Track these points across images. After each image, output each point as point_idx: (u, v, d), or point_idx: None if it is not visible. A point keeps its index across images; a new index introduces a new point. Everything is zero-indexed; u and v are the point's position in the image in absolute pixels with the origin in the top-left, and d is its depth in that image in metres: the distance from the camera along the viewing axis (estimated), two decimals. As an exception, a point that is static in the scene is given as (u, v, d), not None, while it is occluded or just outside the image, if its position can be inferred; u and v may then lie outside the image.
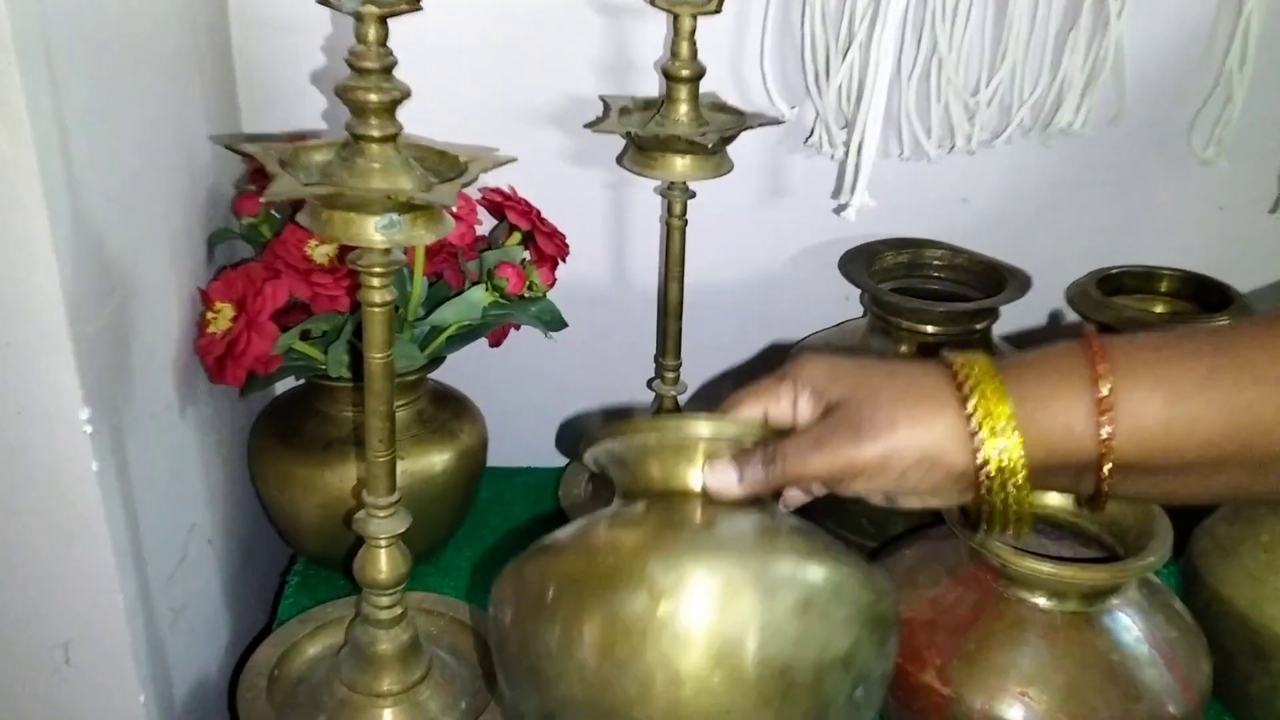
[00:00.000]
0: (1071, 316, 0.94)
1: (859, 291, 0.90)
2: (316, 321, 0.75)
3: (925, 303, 0.84)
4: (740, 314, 0.99)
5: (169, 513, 0.71)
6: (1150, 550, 0.62)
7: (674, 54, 0.77)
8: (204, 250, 0.77)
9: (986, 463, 0.47)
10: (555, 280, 0.83)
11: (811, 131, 0.90)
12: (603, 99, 0.83)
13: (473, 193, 0.82)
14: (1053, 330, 1.01)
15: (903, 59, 0.87)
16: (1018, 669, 0.62)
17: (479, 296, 0.78)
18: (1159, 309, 0.93)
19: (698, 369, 0.99)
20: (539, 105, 0.88)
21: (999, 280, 0.87)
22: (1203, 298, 0.92)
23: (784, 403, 0.53)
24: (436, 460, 0.82)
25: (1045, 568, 0.61)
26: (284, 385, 0.87)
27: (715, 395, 0.93)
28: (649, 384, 0.92)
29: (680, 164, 0.79)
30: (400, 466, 0.67)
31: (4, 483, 0.59)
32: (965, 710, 0.62)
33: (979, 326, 0.85)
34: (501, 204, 0.83)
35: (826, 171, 0.92)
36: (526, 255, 0.82)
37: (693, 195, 0.83)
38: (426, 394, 0.84)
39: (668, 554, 0.50)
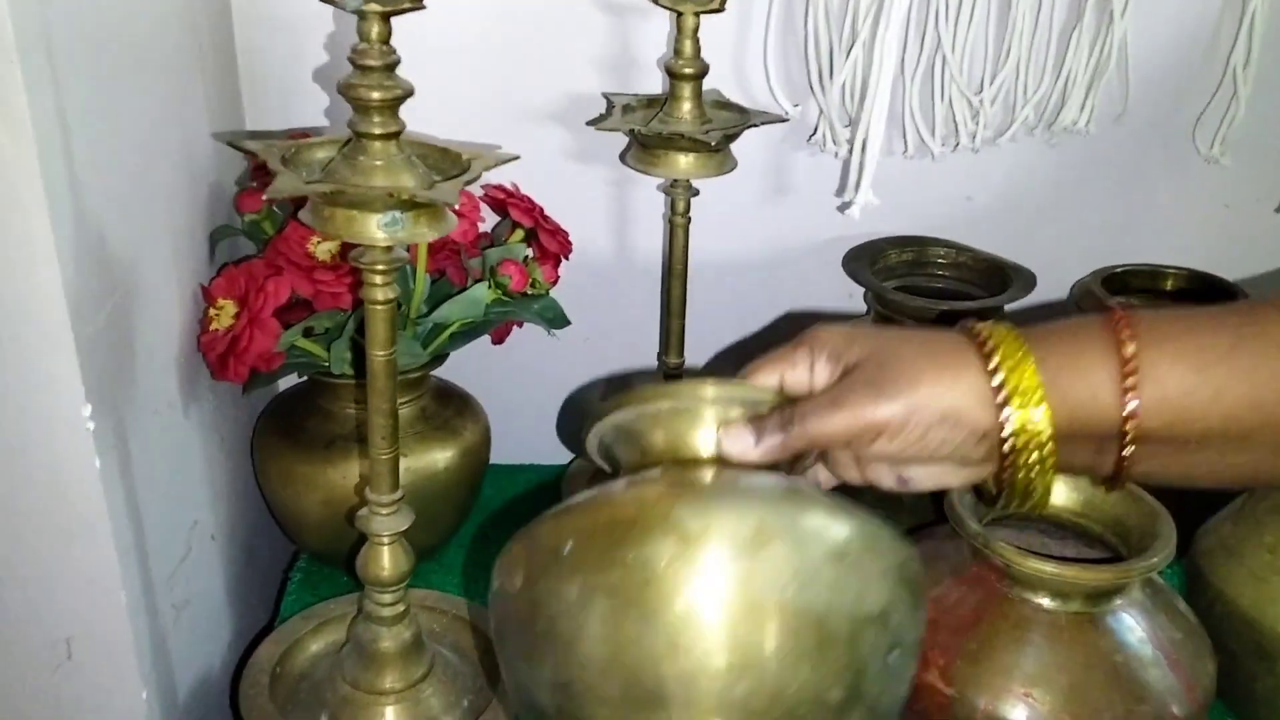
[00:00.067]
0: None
1: (863, 289, 0.89)
2: (319, 318, 0.75)
3: (929, 301, 0.84)
4: (743, 311, 0.98)
5: (171, 509, 0.71)
6: (1154, 551, 0.62)
7: (677, 51, 0.77)
8: (206, 247, 0.77)
9: (1014, 433, 0.46)
10: (558, 278, 0.83)
11: (815, 129, 0.90)
12: (606, 96, 0.83)
13: (475, 190, 0.81)
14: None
15: (906, 57, 0.87)
16: (1021, 669, 0.62)
17: (482, 294, 0.78)
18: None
19: (701, 367, 0.99)
20: (542, 103, 0.88)
21: (1003, 278, 0.87)
22: (1208, 296, 0.92)
23: (800, 369, 0.51)
24: (439, 457, 0.81)
25: (1049, 568, 0.61)
26: (286, 382, 0.87)
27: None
28: (652, 382, 0.92)
29: (683, 162, 0.79)
30: (403, 464, 0.67)
31: (6, 480, 0.59)
32: (968, 711, 0.62)
33: (983, 325, 0.85)
34: (504, 201, 0.83)
35: (830, 169, 0.92)
36: (529, 253, 0.82)
37: (696, 193, 0.83)
38: (429, 391, 0.84)
39: (695, 500, 0.47)
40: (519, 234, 0.83)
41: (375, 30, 0.54)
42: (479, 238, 0.82)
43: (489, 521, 0.93)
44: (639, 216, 0.93)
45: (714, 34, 0.79)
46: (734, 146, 0.80)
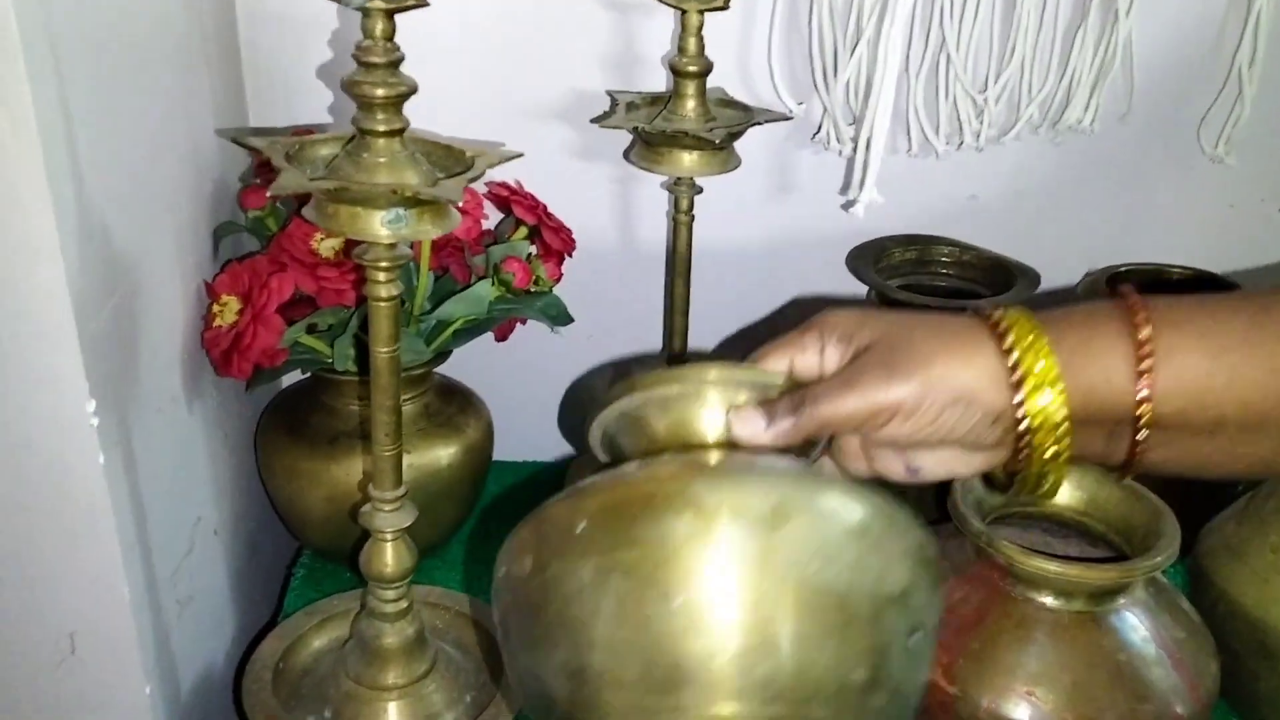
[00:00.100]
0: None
1: (866, 288, 0.89)
2: (322, 315, 0.75)
3: (933, 299, 0.84)
4: (747, 309, 0.98)
5: (175, 505, 0.71)
6: (1157, 550, 0.62)
7: (681, 49, 0.77)
8: (210, 243, 0.78)
9: (1029, 418, 0.46)
10: (561, 275, 0.83)
11: (819, 127, 0.90)
12: (610, 94, 0.83)
13: (479, 187, 0.81)
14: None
15: (911, 55, 0.87)
16: (1024, 668, 0.62)
17: (485, 291, 0.78)
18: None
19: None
20: (546, 100, 0.88)
21: (1007, 277, 0.87)
22: (1211, 296, 0.91)
23: (810, 353, 0.50)
24: (442, 454, 0.82)
25: (1052, 567, 0.61)
26: (290, 379, 0.87)
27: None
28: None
29: (687, 159, 0.79)
30: (406, 460, 0.67)
31: (11, 476, 0.59)
32: (971, 709, 0.62)
33: (986, 324, 0.85)
34: (508, 198, 0.83)
35: (834, 167, 0.92)
36: (533, 250, 0.82)
37: (700, 191, 0.83)
38: (432, 388, 0.84)
39: (713, 477, 0.46)
40: (522, 231, 0.83)
41: (379, 27, 0.54)
42: (482, 235, 0.82)
43: (492, 518, 0.93)
44: (643, 214, 0.93)
45: (718, 31, 0.79)
46: (738, 144, 0.80)
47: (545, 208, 0.83)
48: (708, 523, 0.43)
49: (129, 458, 0.63)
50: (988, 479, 0.54)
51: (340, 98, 0.84)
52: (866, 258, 0.88)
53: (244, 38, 0.84)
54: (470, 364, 0.86)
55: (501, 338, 0.85)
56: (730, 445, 0.50)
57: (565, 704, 0.46)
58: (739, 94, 0.85)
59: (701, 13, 0.75)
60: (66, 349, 0.56)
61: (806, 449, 0.51)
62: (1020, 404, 0.46)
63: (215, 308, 0.73)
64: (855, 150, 0.88)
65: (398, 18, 0.54)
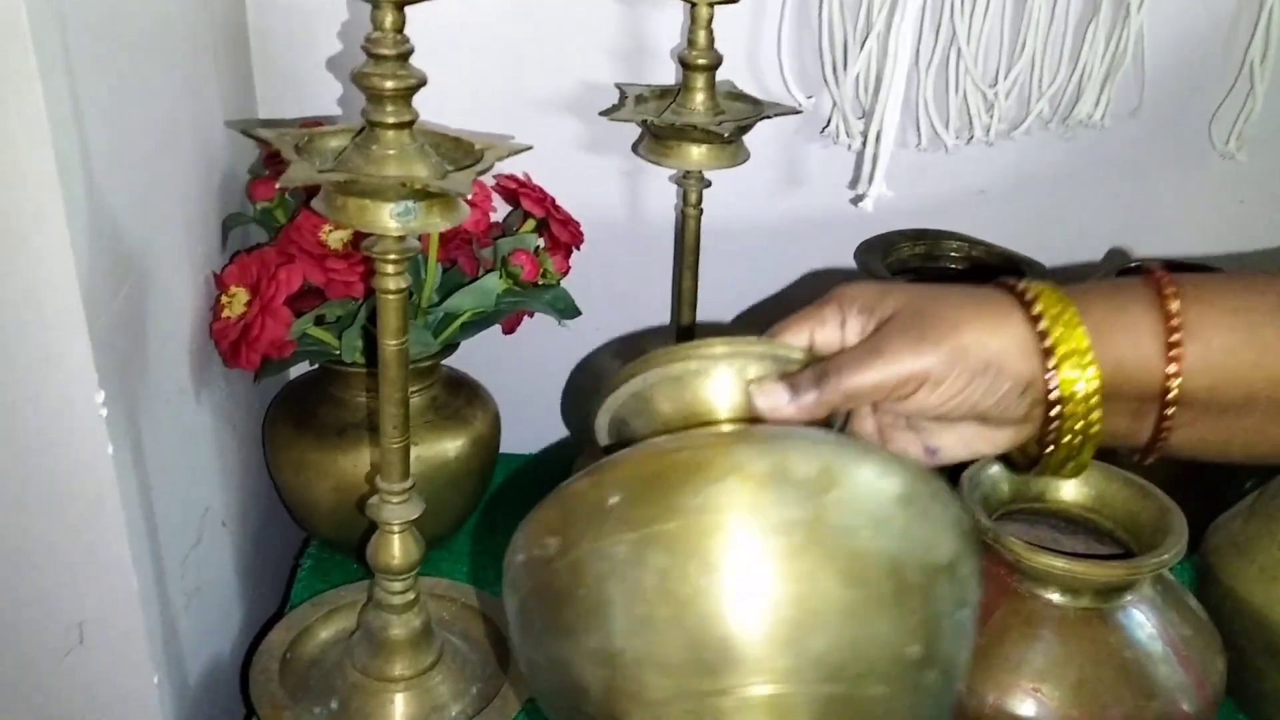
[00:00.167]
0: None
1: (874, 282, 0.89)
2: (330, 307, 0.75)
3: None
4: (754, 303, 0.98)
5: (184, 496, 0.71)
6: (1165, 547, 0.61)
7: (691, 42, 0.77)
8: (218, 234, 0.78)
9: (1060, 388, 0.45)
10: (569, 268, 0.83)
11: (828, 121, 0.90)
12: (619, 87, 0.82)
13: (487, 179, 0.81)
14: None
15: (921, 49, 0.87)
16: (1030, 665, 0.62)
17: (493, 284, 0.78)
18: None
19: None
20: (555, 93, 0.88)
21: (1016, 272, 0.87)
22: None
23: (830, 326, 0.48)
24: (450, 446, 0.82)
25: (1059, 563, 0.61)
26: (298, 370, 0.87)
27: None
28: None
29: (696, 153, 0.78)
30: (414, 453, 0.67)
31: (20, 466, 0.59)
32: (977, 705, 0.62)
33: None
34: (516, 191, 0.83)
35: (843, 162, 0.92)
36: (541, 242, 0.82)
37: (708, 184, 0.82)
38: (440, 380, 0.84)
39: (755, 442, 0.43)
40: (530, 224, 0.83)
41: (389, 19, 0.54)
42: (491, 227, 0.82)
43: (498, 510, 0.93)
44: (651, 207, 0.93)
45: (728, 25, 0.79)
46: (746, 138, 0.80)
47: (553, 200, 0.83)
48: (753, 489, 0.41)
49: (138, 448, 0.63)
50: (1007, 460, 0.52)
51: (349, 90, 0.84)
52: (875, 252, 0.88)
53: (253, 29, 0.84)
54: (477, 356, 0.86)
55: (509, 330, 0.85)
56: (751, 421, 0.47)
57: (600, 694, 0.42)
58: (748, 87, 0.84)
59: (711, 5, 0.75)
60: (76, 339, 0.56)
61: (825, 428, 0.49)
62: (1051, 375, 0.45)
63: (224, 299, 0.73)
64: (865, 144, 0.87)
65: (407, 10, 0.54)
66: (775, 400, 0.47)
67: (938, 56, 0.87)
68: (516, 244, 0.80)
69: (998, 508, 0.67)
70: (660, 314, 0.96)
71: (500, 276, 0.78)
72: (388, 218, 0.56)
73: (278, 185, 0.75)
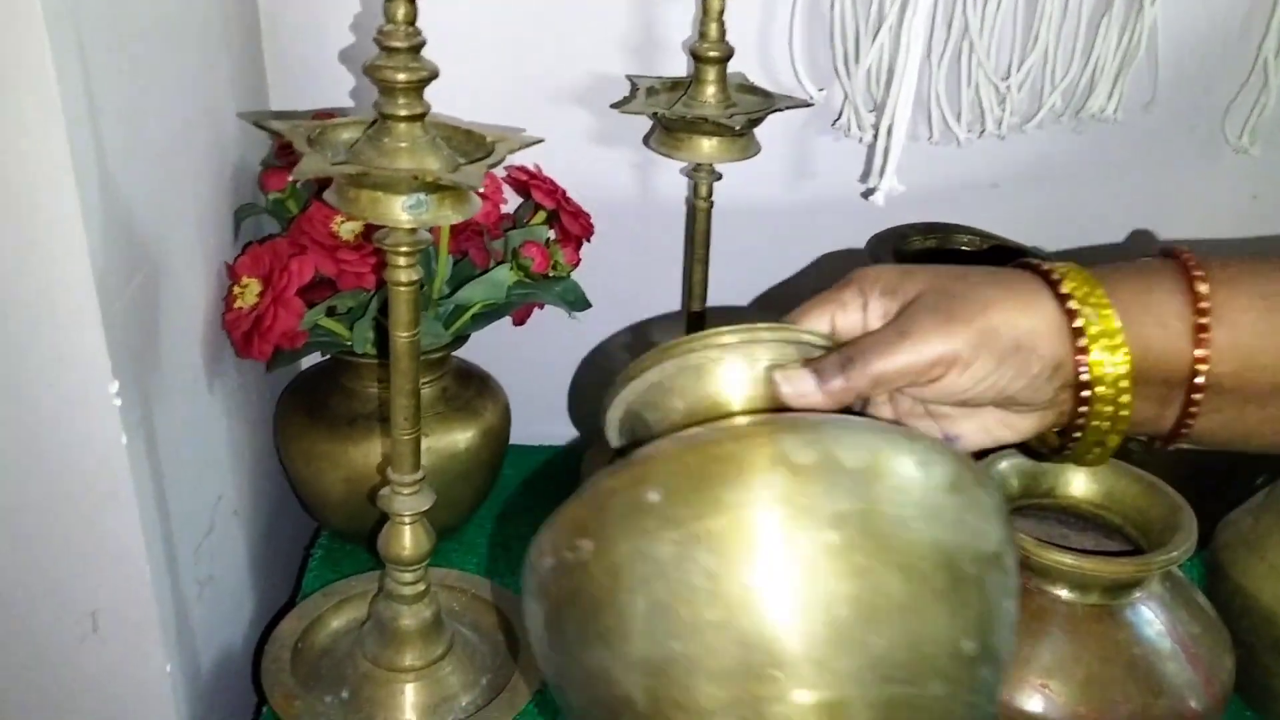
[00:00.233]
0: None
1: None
2: (342, 298, 0.76)
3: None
4: (765, 295, 0.98)
5: (196, 485, 0.72)
6: (1174, 544, 0.61)
7: (702, 34, 0.76)
8: (231, 225, 0.78)
9: (1090, 369, 0.43)
10: (579, 260, 0.83)
11: (840, 114, 0.90)
12: (630, 79, 0.82)
13: (499, 171, 0.81)
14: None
15: (933, 41, 0.86)
16: (1038, 661, 0.62)
17: (504, 276, 0.78)
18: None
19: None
20: (566, 84, 0.88)
21: (1027, 267, 0.86)
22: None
23: (852, 310, 0.47)
24: (460, 438, 0.82)
25: (1068, 560, 0.61)
26: (309, 360, 0.88)
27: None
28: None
29: (707, 146, 0.78)
30: (424, 444, 0.67)
31: (35, 456, 0.60)
32: (983, 699, 0.62)
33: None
34: (527, 183, 0.83)
35: (854, 154, 0.92)
36: (551, 234, 0.82)
37: (719, 177, 0.82)
38: (450, 371, 0.84)
39: (799, 431, 0.40)
40: (541, 216, 0.83)
41: (401, 11, 0.54)
42: (502, 219, 0.83)
43: (508, 501, 0.93)
44: (661, 199, 0.93)
45: (739, 16, 0.79)
46: (757, 130, 0.80)
47: (564, 192, 0.83)
48: (802, 481, 0.39)
49: (151, 438, 0.64)
50: (1026, 448, 0.50)
51: (361, 81, 0.84)
52: (886, 246, 0.88)
53: (265, 20, 0.84)
54: (487, 347, 0.86)
55: (519, 322, 0.85)
56: (775, 410, 0.45)
57: (646, 705, 0.39)
58: (759, 80, 0.84)
59: (723, -2, 0.75)
60: (90, 330, 0.57)
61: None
62: (1081, 357, 0.44)
63: (236, 289, 0.73)
64: (876, 138, 0.87)
65: (419, 2, 0.54)
66: (801, 387, 0.45)
67: (950, 49, 0.87)
68: (527, 236, 0.80)
69: (1007, 503, 0.67)
70: (670, 306, 0.96)
71: (511, 268, 0.78)
72: (399, 210, 0.56)
73: (291, 178, 0.75)
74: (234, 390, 0.78)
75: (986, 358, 0.44)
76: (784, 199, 0.94)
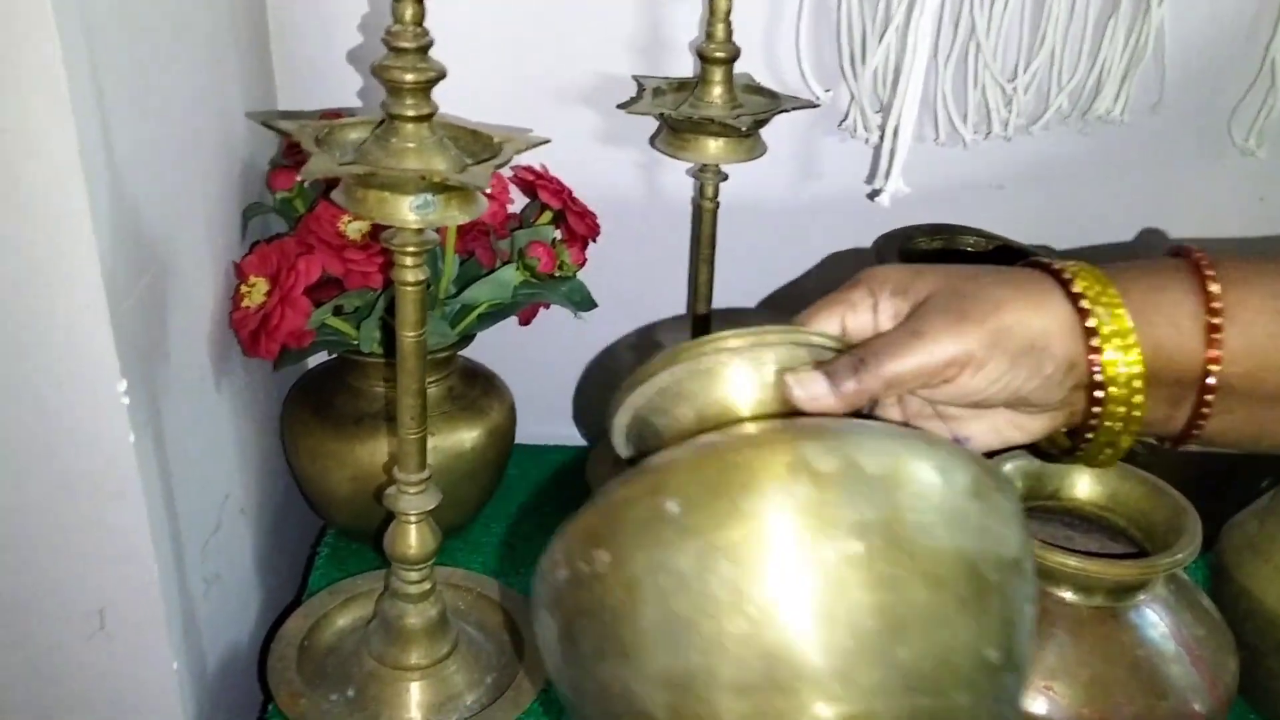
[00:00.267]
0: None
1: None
2: (349, 297, 0.76)
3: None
4: (770, 297, 0.98)
5: (203, 483, 0.72)
6: (1179, 546, 0.61)
7: (709, 35, 0.76)
8: (238, 224, 0.78)
9: (1104, 369, 0.43)
10: (585, 260, 0.83)
11: (846, 115, 0.90)
12: (636, 79, 0.83)
13: (505, 171, 0.82)
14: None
15: (940, 42, 0.86)
16: (1042, 663, 0.61)
17: (510, 276, 0.78)
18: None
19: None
20: (572, 84, 0.88)
21: (1032, 268, 0.86)
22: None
23: (862, 311, 0.46)
24: (466, 437, 0.82)
25: (1072, 562, 0.61)
26: (316, 359, 0.88)
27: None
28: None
29: (713, 146, 0.78)
30: (430, 443, 0.68)
31: (44, 453, 0.60)
32: (987, 700, 0.62)
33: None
34: (533, 183, 0.83)
35: (860, 155, 0.92)
36: (557, 234, 0.82)
37: (725, 178, 0.83)
38: (456, 371, 0.85)
39: (819, 437, 0.40)
40: (548, 215, 0.83)
41: (409, 12, 0.54)
42: (508, 219, 0.83)
43: (514, 501, 0.94)
44: (667, 200, 0.93)
45: (746, 17, 0.79)
46: (763, 131, 0.80)
47: (570, 192, 0.83)
48: (825, 489, 0.38)
49: (158, 436, 0.64)
50: (1035, 449, 0.50)
51: (369, 81, 0.85)
52: (892, 247, 0.88)
53: (273, 21, 0.85)
54: (493, 347, 0.86)
55: (525, 322, 0.85)
56: (787, 414, 0.44)
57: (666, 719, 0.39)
58: (766, 80, 0.84)
59: (730, -2, 0.75)
60: (99, 329, 0.57)
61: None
62: (1094, 357, 0.43)
63: (244, 288, 0.73)
64: (882, 138, 0.87)
65: (427, 2, 0.55)
66: (813, 390, 0.44)
67: (956, 50, 0.87)
68: (533, 236, 0.80)
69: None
70: (676, 306, 0.96)
71: (517, 268, 0.79)
72: (407, 210, 0.56)
73: (299, 178, 0.76)
74: (241, 389, 0.79)
75: (1000, 358, 0.43)
76: (790, 200, 0.94)
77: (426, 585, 0.70)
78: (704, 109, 0.77)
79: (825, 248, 0.96)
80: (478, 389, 0.85)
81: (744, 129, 0.77)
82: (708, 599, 0.38)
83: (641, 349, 1.00)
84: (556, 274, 0.80)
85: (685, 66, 0.87)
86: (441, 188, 0.56)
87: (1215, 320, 0.43)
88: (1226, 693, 0.63)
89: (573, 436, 1.03)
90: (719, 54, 0.77)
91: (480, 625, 0.78)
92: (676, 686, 0.38)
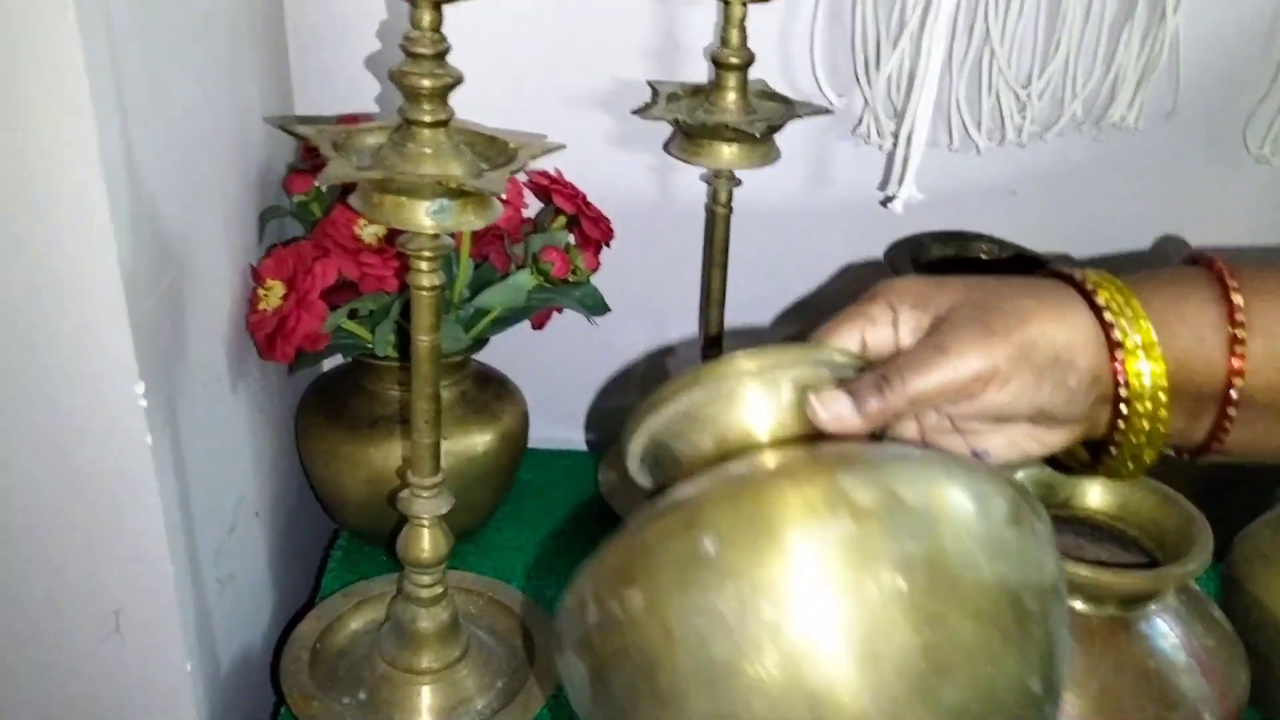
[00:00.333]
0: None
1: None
2: (364, 301, 0.76)
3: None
4: (783, 304, 0.98)
5: (219, 485, 0.72)
6: (1190, 557, 0.61)
7: (724, 41, 0.77)
8: (255, 227, 0.79)
9: (1130, 381, 0.42)
10: (599, 265, 0.83)
11: (860, 121, 0.90)
12: (651, 84, 0.83)
13: (520, 176, 0.82)
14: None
15: (954, 49, 0.86)
16: (1053, 670, 0.62)
17: (524, 280, 0.79)
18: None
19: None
20: (587, 89, 0.88)
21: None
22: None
23: (882, 326, 0.45)
24: (479, 441, 0.82)
25: (1083, 571, 0.61)
26: (331, 362, 0.88)
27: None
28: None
29: (727, 152, 0.79)
30: (443, 447, 0.68)
31: (60, 455, 0.61)
32: (998, 708, 0.62)
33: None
34: (548, 187, 0.83)
35: (874, 162, 0.92)
36: (571, 239, 0.82)
37: (739, 183, 0.83)
38: (470, 375, 0.85)
39: (855, 468, 0.38)
40: (562, 220, 0.83)
41: (427, 18, 0.55)
42: (522, 224, 0.83)
43: (526, 505, 0.94)
44: (681, 205, 0.94)
45: (760, 23, 0.79)
46: (777, 137, 0.80)
47: (584, 197, 0.84)
48: (867, 524, 0.37)
49: (175, 438, 0.64)
50: (1055, 462, 0.49)
51: (386, 87, 0.85)
52: (904, 254, 0.88)
53: (291, 26, 0.85)
54: (506, 351, 0.86)
55: (538, 326, 0.85)
56: (810, 435, 0.43)
57: None
58: (780, 86, 0.85)
59: (744, 4, 0.75)
60: (117, 331, 0.57)
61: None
62: (1119, 370, 0.43)
63: (260, 291, 0.74)
64: (896, 144, 0.87)
65: (444, 8, 0.55)
66: (837, 410, 0.43)
67: (971, 56, 0.87)
68: (547, 240, 0.80)
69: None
70: (689, 311, 0.96)
71: (531, 273, 0.79)
72: (423, 216, 0.56)
73: (317, 183, 0.76)
74: (256, 391, 0.79)
75: (1026, 372, 0.42)
76: (803, 205, 0.94)
77: (438, 589, 0.70)
78: (718, 114, 0.77)
79: (838, 254, 0.96)
80: (491, 393, 0.86)
81: (758, 135, 0.77)
82: (748, 642, 0.36)
83: (654, 355, 1.00)
84: (570, 278, 0.80)
85: (700, 72, 0.87)
86: (457, 193, 0.56)
87: (1239, 332, 0.42)
88: (1237, 704, 0.63)
89: (586, 441, 1.03)
90: (733, 59, 0.77)
91: (491, 629, 0.78)
92: None
